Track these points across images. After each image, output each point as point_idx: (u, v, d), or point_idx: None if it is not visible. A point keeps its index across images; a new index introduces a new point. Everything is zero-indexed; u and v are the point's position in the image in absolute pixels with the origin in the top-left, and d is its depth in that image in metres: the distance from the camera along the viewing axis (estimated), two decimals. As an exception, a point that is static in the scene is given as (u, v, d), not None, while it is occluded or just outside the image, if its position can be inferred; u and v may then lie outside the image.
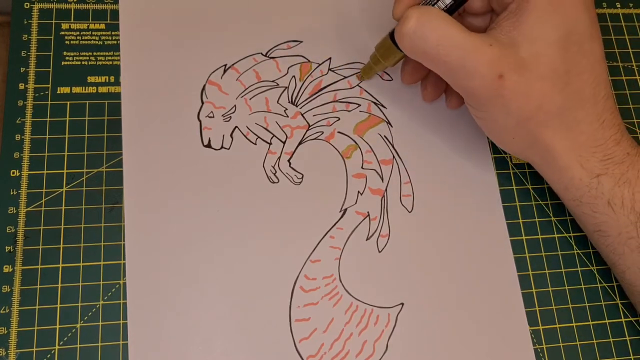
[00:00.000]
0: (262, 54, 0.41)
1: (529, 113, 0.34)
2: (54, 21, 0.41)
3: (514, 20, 0.33)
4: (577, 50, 0.34)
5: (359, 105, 0.41)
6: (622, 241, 0.35)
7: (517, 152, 0.37)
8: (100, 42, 0.41)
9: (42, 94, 0.39)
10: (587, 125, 0.35)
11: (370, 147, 0.40)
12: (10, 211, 0.36)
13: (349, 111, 0.41)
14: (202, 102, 0.40)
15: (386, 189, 0.40)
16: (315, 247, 0.38)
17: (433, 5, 0.34)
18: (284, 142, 0.40)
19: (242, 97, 0.40)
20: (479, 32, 0.34)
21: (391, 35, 0.37)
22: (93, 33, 0.41)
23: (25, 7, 0.41)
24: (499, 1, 0.35)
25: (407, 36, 0.33)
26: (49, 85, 0.39)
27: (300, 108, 0.41)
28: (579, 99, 0.34)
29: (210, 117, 0.39)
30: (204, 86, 0.40)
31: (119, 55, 0.40)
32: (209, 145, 0.39)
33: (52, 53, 0.40)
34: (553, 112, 0.34)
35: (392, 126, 0.41)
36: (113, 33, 0.41)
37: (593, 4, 0.35)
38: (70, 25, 0.41)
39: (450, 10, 0.34)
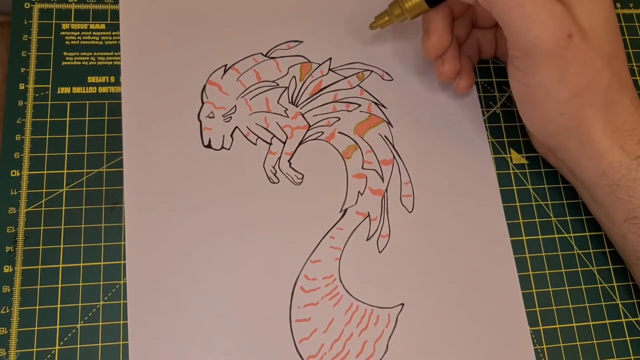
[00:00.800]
0: (262, 54, 0.41)
1: (582, 86, 0.34)
2: (54, 21, 0.41)
3: None
4: (615, 35, 0.35)
5: (360, 105, 0.41)
6: None
7: (556, 132, 0.36)
8: (101, 43, 0.41)
9: (42, 94, 0.39)
10: (624, 108, 0.35)
11: (370, 147, 0.40)
12: (11, 211, 0.36)
13: (349, 111, 0.41)
14: (203, 103, 0.40)
15: (386, 189, 0.40)
16: (316, 248, 0.38)
17: None
18: (284, 143, 0.40)
19: (242, 97, 0.40)
20: None
21: None
22: (93, 33, 0.41)
23: (26, 7, 0.41)
24: None
25: None
26: (49, 86, 0.39)
27: (301, 108, 0.41)
28: (619, 81, 0.35)
29: (210, 117, 0.39)
30: (204, 86, 0.40)
31: (119, 56, 0.40)
32: (209, 146, 0.39)
33: (52, 53, 0.40)
34: (601, 90, 0.34)
35: (392, 126, 0.41)
36: (113, 33, 0.41)
37: None
38: (70, 26, 0.41)
39: None
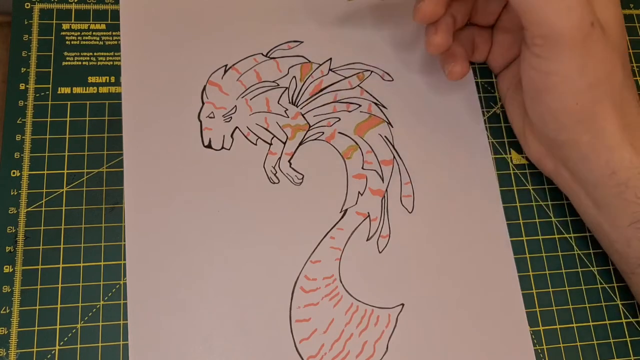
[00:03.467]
0: (262, 54, 0.41)
1: (600, 77, 0.33)
2: (54, 21, 0.41)
3: None
4: (625, 36, 0.36)
5: (360, 105, 0.41)
6: None
7: (568, 125, 0.35)
8: (101, 43, 0.41)
9: (42, 94, 0.39)
10: (632, 107, 0.35)
11: (370, 147, 0.40)
12: (11, 211, 0.36)
13: (349, 111, 0.41)
14: (203, 103, 0.40)
15: (386, 190, 0.40)
16: (316, 248, 0.38)
17: None
18: (285, 143, 0.40)
19: (242, 97, 0.40)
20: None
21: None
22: (94, 33, 0.41)
23: (26, 7, 0.41)
24: None
25: None
26: (50, 86, 0.39)
27: (301, 108, 0.41)
28: (629, 79, 0.35)
29: (210, 117, 0.39)
30: (205, 86, 0.40)
31: (119, 56, 0.40)
32: (209, 146, 0.39)
33: (52, 53, 0.40)
34: (616, 84, 0.34)
35: (392, 127, 0.41)
36: (114, 33, 0.41)
37: None
38: (71, 26, 0.41)
39: None
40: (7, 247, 0.36)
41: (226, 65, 0.41)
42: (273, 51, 0.42)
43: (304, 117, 0.40)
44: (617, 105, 0.34)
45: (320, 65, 0.42)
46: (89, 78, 0.40)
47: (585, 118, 0.34)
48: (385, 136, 0.41)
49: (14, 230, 0.36)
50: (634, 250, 0.36)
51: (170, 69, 0.40)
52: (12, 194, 0.37)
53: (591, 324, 0.39)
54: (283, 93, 0.41)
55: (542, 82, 0.35)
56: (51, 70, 0.39)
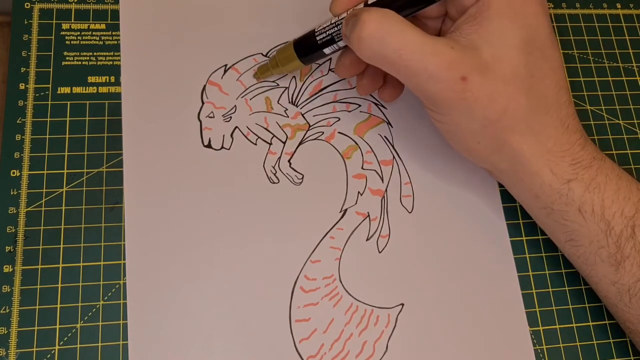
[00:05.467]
0: (262, 54, 0.41)
1: (494, 115, 0.33)
2: (54, 21, 0.41)
3: (475, 24, 0.33)
4: (539, 56, 0.33)
5: (359, 105, 0.41)
6: (594, 250, 0.35)
7: (482, 158, 0.35)
8: (101, 42, 0.41)
9: (42, 94, 0.39)
10: (553, 129, 0.34)
11: (370, 147, 0.40)
12: (11, 211, 0.36)
13: (349, 111, 0.41)
14: (203, 103, 0.40)
15: (386, 190, 0.40)
16: (316, 248, 0.38)
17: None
18: (284, 143, 0.40)
19: (242, 97, 0.40)
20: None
21: (295, 43, 0.37)
22: (93, 33, 0.41)
23: (26, 7, 0.41)
24: (457, 5, 0.34)
25: (366, 41, 0.32)
26: (50, 85, 0.39)
27: (301, 108, 0.41)
28: (543, 103, 0.34)
29: (210, 117, 0.39)
30: (204, 86, 0.40)
31: (119, 56, 0.40)
32: (209, 146, 0.39)
33: (52, 53, 0.40)
34: (519, 116, 0.33)
35: (392, 127, 0.41)
36: (113, 33, 0.41)
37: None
38: (70, 26, 0.41)
39: (405, 14, 0.33)
40: (6, 247, 0.36)
41: (226, 65, 0.41)
42: (273, 51, 0.42)
43: (303, 117, 0.41)
44: (531, 132, 0.33)
45: (320, 64, 0.42)
46: (89, 78, 0.40)
47: (497, 149, 0.34)
48: (385, 136, 0.41)
49: (13, 230, 0.36)
50: (576, 265, 0.37)
51: (170, 69, 0.40)
52: (11, 193, 0.37)
53: (591, 324, 0.39)
54: (283, 93, 0.41)
55: (442, 128, 0.35)
56: (51, 70, 0.39)
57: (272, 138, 0.40)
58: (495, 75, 0.32)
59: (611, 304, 0.36)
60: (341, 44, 0.35)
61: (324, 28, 0.35)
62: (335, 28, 0.35)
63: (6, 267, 0.35)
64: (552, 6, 0.47)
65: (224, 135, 0.39)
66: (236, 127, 0.40)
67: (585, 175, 0.34)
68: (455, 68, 0.32)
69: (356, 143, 0.40)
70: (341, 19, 0.34)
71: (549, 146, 0.34)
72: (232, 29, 0.42)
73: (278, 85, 0.41)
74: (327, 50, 0.36)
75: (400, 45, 0.31)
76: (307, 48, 0.37)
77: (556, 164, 0.34)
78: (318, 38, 0.36)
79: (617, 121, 0.44)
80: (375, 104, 0.42)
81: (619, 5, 0.48)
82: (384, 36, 0.31)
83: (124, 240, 0.36)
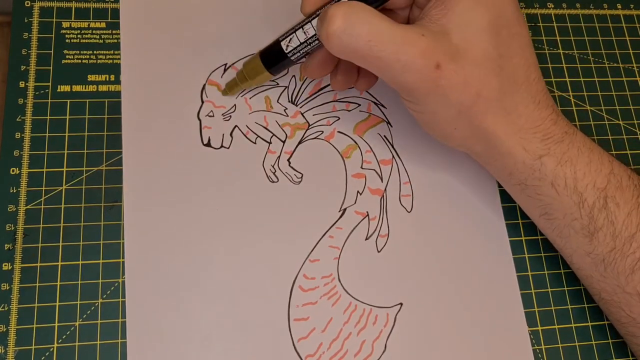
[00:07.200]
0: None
1: (469, 101, 0.33)
2: (54, 19, 0.41)
3: (442, 8, 0.33)
4: (507, 34, 0.33)
5: (359, 105, 0.41)
6: (567, 223, 0.35)
7: (458, 143, 0.36)
8: (101, 41, 0.41)
9: (42, 92, 0.39)
10: (524, 107, 0.34)
11: (369, 147, 0.40)
12: (10, 209, 0.36)
13: (348, 111, 0.41)
14: (202, 101, 0.40)
15: (385, 189, 0.40)
16: (315, 247, 0.38)
17: None
18: (284, 142, 0.40)
19: (242, 96, 0.40)
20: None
21: (261, 54, 0.36)
22: (94, 31, 0.41)
23: (26, 5, 0.41)
24: None
25: (335, 36, 0.31)
26: (49, 84, 0.39)
27: (300, 107, 0.41)
28: (514, 82, 0.34)
29: (210, 116, 0.39)
30: (204, 85, 0.40)
31: (119, 54, 0.40)
32: (208, 144, 0.39)
33: (52, 51, 0.40)
34: (492, 97, 0.33)
35: (392, 126, 0.41)
36: (113, 32, 0.41)
37: None
38: (70, 24, 0.41)
39: (376, 5, 0.33)
40: (6, 245, 0.36)
41: (226, 64, 0.41)
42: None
43: (303, 116, 0.41)
44: (504, 112, 0.34)
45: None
46: (89, 76, 0.40)
47: (472, 134, 0.34)
48: (384, 136, 0.41)
49: (12, 228, 0.36)
50: (551, 238, 0.37)
51: (170, 68, 0.40)
52: (11, 191, 0.37)
53: (590, 324, 0.39)
54: (282, 92, 0.41)
55: (418, 118, 0.36)
56: (51, 68, 0.39)
57: (271, 137, 0.40)
58: (467, 60, 0.32)
59: (586, 275, 0.36)
60: (307, 47, 0.35)
61: (287, 33, 0.35)
62: (300, 30, 0.34)
63: (5, 265, 0.35)
64: (553, 6, 0.47)
65: (223, 134, 0.39)
66: (236, 126, 0.40)
67: (557, 149, 0.34)
68: (428, 56, 0.31)
69: (356, 142, 0.40)
70: (302, 21, 0.34)
71: (521, 124, 0.34)
72: (232, 28, 0.42)
73: (278, 84, 0.41)
74: (294, 57, 0.35)
75: (370, 36, 0.31)
76: (274, 57, 0.36)
77: (528, 141, 0.34)
78: (283, 45, 0.35)
79: (617, 121, 0.44)
80: (375, 103, 0.42)
81: (619, 6, 0.48)
82: (354, 29, 0.31)
83: (123, 239, 0.36)
